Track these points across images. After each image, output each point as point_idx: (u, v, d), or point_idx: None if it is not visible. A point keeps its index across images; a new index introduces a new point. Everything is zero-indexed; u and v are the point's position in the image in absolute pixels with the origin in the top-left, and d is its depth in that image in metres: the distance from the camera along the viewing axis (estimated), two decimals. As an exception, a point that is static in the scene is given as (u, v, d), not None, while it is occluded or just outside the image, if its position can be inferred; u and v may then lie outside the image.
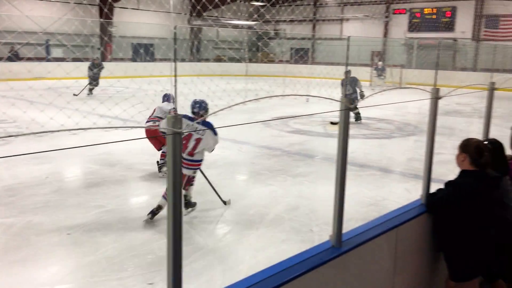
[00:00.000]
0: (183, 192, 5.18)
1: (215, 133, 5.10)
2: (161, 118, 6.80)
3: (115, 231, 4.91)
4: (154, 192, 6.18)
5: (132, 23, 26.76)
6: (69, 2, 23.70)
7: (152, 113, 7.03)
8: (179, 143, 1.60)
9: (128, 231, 4.92)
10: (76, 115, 2.74)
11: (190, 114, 5.21)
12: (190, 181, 5.33)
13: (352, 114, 12.47)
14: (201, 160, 5.24)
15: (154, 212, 5.20)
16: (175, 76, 1.52)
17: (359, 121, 12.45)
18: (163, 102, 7.29)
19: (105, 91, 16.81)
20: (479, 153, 2.91)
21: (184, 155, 5.07)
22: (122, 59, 23.67)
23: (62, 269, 4.18)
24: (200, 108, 5.16)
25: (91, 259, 4.28)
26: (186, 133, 4.95)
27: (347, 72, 12.03)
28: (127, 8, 27.24)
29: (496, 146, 3.26)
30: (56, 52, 24.67)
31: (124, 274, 4.02)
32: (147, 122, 6.94)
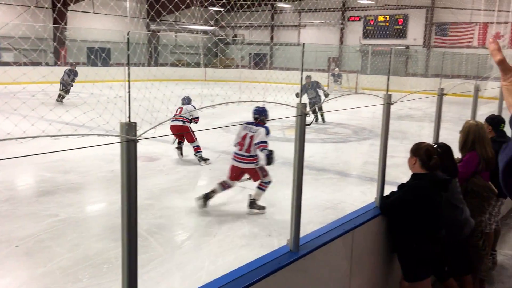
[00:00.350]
0: (254, 194, 5.88)
1: (267, 133, 5.77)
2: (187, 118, 8.21)
3: (69, 240, 4.76)
4: (110, 199, 6.04)
5: (86, 27, 26.12)
6: (18, 5, 22.85)
7: (179, 112, 8.23)
8: (133, 150, 1.57)
9: (83, 240, 4.78)
10: (23, 123, 2.65)
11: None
12: (263, 171, 5.84)
13: (320, 119, 13.03)
14: (257, 155, 5.77)
15: (207, 196, 5.77)
16: (128, 81, 1.49)
17: (324, 122, 13.14)
18: (183, 104, 8.46)
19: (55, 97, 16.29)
20: (428, 157, 3.03)
21: (242, 152, 5.73)
22: (72, 64, 22.93)
23: (13, 281, 4.00)
24: (260, 114, 5.81)
25: (44, 270, 4.13)
26: (243, 134, 5.79)
27: (308, 78, 12.75)
28: (80, 11, 26.61)
29: (444, 149, 3.39)
30: (7, 57, 23.72)
31: (79, 285, 3.90)
32: (174, 120, 8.08)
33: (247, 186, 6.67)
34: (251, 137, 5.73)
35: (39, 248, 4.56)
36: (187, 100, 8.59)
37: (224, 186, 5.88)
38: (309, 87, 12.68)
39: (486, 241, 4.00)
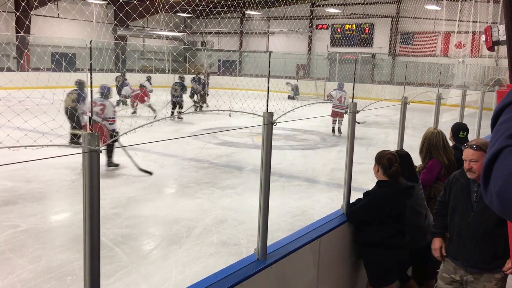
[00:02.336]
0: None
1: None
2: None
3: (31, 252, 4.61)
4: (73, 209, 5.89)
5: (51, 32, 25.51)
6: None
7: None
8: (96, 161, 1.53)
9: (45, 251, 4.64)
10: None
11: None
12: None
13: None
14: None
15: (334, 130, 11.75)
16: (91, 91, 1.46)
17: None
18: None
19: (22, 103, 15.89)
20: (389, 164, 3.09)
21: (342, 104, 11.57)
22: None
23: (-30, 296, 3.85)
24: (341, 85, 12.62)
25: (4, 283, 3.98)
26: (339, 96, 12.20)
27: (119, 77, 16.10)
28: (44, 16, 25.99)
29: (402, 156, 3.44)
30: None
31: (41, 298, 3.78)
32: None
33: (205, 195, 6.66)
34: (344, 97, 12.01)
35: (-1, 260, 4.40)
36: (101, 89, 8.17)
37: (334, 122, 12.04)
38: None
39: (449, 246, 4.10)
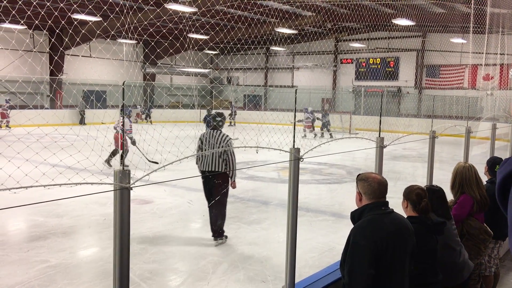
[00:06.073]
0: None
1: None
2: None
3: (60, 287, 4.65)
4: (102, 244, 5.95)
5: (84, 70, 26.51)
6: (17, 50, 23.31)
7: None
8: (127, 198, 1.57)
9: (74, 287, 4.67)
10: (27, 166, 2.59)
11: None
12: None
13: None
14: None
15: None
16: (122, 130, 1.51)
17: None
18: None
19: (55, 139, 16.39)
20: (418, 200, 3.03)
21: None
22: (71, 106, 23.18)
23: (0, 332, 3.88)
24: (307, 109, 20.93)
25: (32, 319, 4.01)
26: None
27: None
28: (78, 55, 27.06)
29: (435, 192, 3.37)
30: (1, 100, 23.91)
31: (68, 334, 3.78)
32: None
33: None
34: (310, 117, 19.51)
35: (29, 295, 4.45)
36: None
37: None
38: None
39: (484, 284, 3.95)
